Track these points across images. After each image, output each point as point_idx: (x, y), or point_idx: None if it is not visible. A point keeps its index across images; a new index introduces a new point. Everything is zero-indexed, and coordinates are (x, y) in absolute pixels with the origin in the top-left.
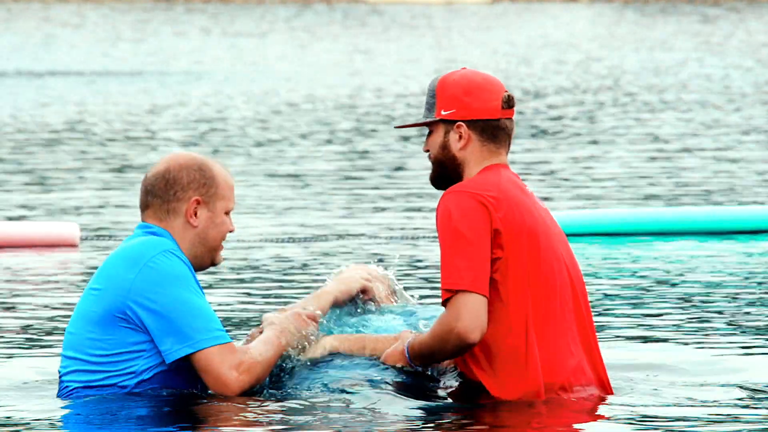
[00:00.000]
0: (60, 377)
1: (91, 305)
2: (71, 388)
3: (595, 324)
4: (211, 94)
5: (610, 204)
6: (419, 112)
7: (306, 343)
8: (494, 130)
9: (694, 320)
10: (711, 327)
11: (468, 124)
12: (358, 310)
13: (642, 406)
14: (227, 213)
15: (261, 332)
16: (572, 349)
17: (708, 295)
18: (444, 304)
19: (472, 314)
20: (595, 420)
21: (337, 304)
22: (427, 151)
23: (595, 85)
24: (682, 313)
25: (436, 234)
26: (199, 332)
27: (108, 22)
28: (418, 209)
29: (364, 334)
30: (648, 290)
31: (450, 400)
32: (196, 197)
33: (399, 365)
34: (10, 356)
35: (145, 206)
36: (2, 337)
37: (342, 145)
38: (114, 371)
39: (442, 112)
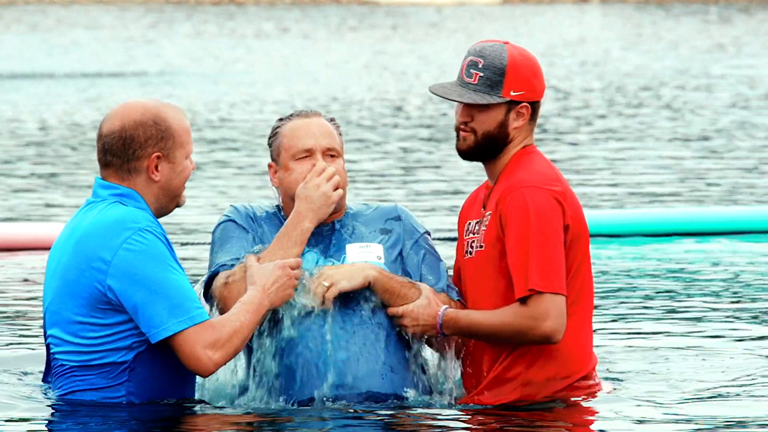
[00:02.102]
0: (52, 354)
1: (71, 284)
2: (67, 367)
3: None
4: (245, 96)
5: (637, 204)
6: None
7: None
8: (538, 110)
9: (728, 318)
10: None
11: (530, 104)
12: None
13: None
14: (187, 157)
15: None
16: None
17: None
18: (522, 299)
19: (559, 316)
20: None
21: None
22: (466, 122)
23: (621, 85)
24: (715, 312)
25: (502, 224)
26: (174, 315)
27: (123, 23)
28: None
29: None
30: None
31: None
32: (155, 153)
33: (421, 322)
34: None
35: (104, 164)
36: (28, 337)
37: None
38: (110, 349)
39: (512, 93)
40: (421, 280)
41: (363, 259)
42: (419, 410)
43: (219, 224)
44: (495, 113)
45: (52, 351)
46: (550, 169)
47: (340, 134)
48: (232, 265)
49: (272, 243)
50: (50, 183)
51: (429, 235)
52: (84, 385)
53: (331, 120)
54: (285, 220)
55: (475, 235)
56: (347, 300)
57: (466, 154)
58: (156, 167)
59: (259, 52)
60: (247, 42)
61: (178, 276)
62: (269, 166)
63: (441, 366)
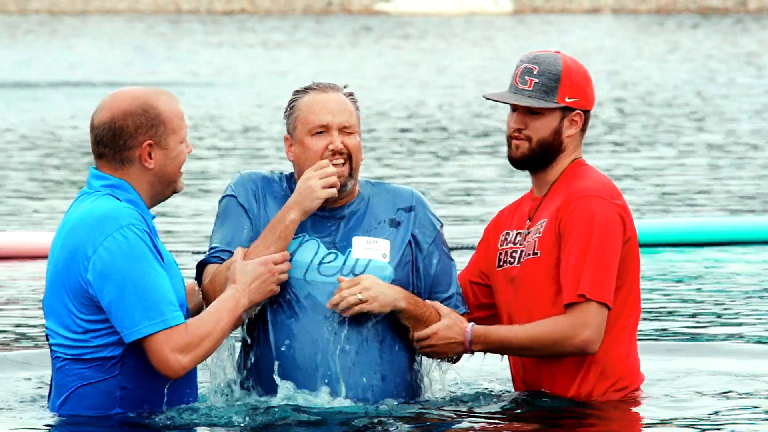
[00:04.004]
0: (49, 345)
1: (61, 277)
2: (62, 359)
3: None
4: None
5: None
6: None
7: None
8: (588, 121)
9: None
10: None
11: (583, 113)
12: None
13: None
14: (182, 142)
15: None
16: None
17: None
18: (568, 305)
19: (599, 327)
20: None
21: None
22: (520, 129)
23: (645, 94)
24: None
25: (561, 229)
26: (147, 317)
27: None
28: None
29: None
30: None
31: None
32: (147, 141)
33: (449, 341)
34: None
35: (97, 155)
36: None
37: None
38: (99, 345)
39: (567, 99)
40: (432, 287)
41: (368, 256)
42: (419, 414)
43: (223, 197)
44: (550, 120)
45: (49, 342)
46: (610, 182)
47: (358, 109)
48: (221, 251)
49: (259, 237)
50: (75, 189)
51: (443, 226)
52: (78, 380)
53: (350, 95)
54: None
55: (518, 246)
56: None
57: (519, 162)
58: (149, 155)
59: (270, 61)
60: (260, 51)
61: (156, 276)
62: (285, 138)
63: (437, 373)
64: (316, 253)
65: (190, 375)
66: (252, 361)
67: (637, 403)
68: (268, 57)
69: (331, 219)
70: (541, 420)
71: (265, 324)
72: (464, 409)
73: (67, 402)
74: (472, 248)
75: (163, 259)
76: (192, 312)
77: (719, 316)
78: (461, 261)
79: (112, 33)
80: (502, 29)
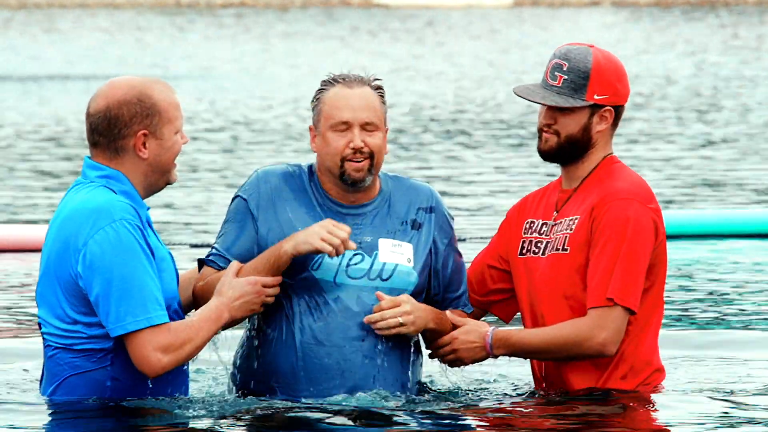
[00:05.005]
0: (42, 333)
1: (54, 267)
2: (53, 347)
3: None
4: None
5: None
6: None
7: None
8: (621, 115)
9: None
10: None
11: (614, 108)
12: None
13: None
14: (177, 132)
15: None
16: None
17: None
18: (590, 306)
19: (619, 330)
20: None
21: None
22: (550, 124)
23: (654, 87)
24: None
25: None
26: (132, 313)
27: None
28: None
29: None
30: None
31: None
32: (142, 131)
33: (469, 345)
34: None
35: (92, 143)
36: None
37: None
38: (90, 336)
39: (596, 96)
40: (446, 287)
41: (395, 260)
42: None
43: (235, 197)
44: (578, 116)
45: (41, 331)
46: (645, 183)
47: (384, 103)
48: (218, 256)
49: (257, 258)
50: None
51: (454, 220)
52: (69, 369)
53: (378, 88)
54: (316, 188)
55: (543, 236)
56: (364, 307)
57: (548, 155)
58: (143, 144)
59: (270, 55)
60: (260, 44)
61: (144, 273)
62: (310, 129)
63: (458, 375)
64: (344, 255)
65: (182, 368)
66: (268, 359)
67: (661, 396)
68: (267, 50)
69: (356, 216)
70: (566, 417)
71: (290, 324)
72: (485, 408)
73: (58, 390)
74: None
75: (154, 255)
76: (184, 303)
77: (739, 307)
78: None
79: (113, 26)
80: (503, 22)
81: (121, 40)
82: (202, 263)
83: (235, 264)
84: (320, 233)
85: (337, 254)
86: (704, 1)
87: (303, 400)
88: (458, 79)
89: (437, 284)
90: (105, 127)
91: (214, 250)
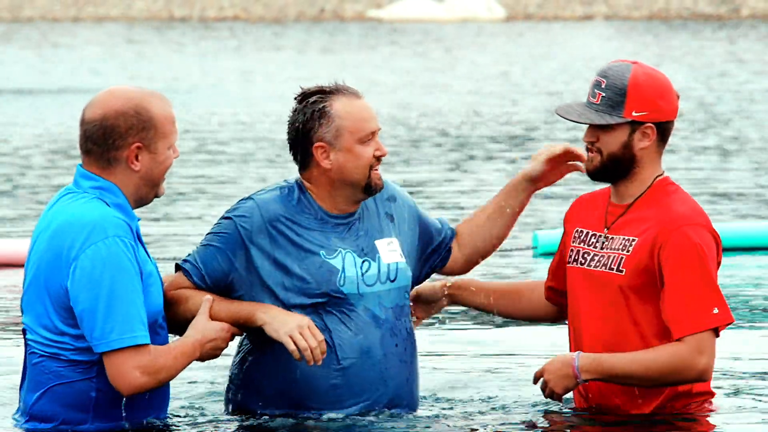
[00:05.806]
0: (26, 340)
1: (43, 276)
2: (38, 355)
3: None
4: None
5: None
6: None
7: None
8: (668, 131)
9: None
10: None
11: (655, 125)
12: None
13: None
14: (170, 147)
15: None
16: None
17: None
18: (687, 333)
19: (714, 354)
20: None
21: None
22: (592, 142)
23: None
24: None
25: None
26: (117, 331)
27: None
28: None
29: None
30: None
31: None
32: (136, 143)
33: (559, 374)
34: None
35: (85, 151)
36: None
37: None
38: (75, 348)
39: (634, 113)
40: (433, 233)
41: (394, 259)
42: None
43: (229, 218)
44: (618, 134)
45: (27, 337)
46: (698, 205)
47: None
48: (193, 267)
49: (231, 306)
50: None
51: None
52: (54, 378)
53: None
54: (309, 204)
55: (591, 248)
56: (400, 314)
57: (594, 174)
58: (136, 157)
59: (265, 69)
60: (255, 58)
61: (133, 292)
62: (319, 147)
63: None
64: (357, 265)
65: (167, 384)
66: (298, 376)
67: (713, 418)
68: (260, 63)
69: (352, 224)
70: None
71: (327, 343)
72: (520, 423)
73: (42, 398)
74: None
75: (142, 271)
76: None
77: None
78: None
79: (106, 39)
80: (496, 36)
81: (116, 53)
82: (178, 266)
83: (207, 303)
84: (292, 331)
85: (305, 359)
86: (697, 15)
87: (326, 415)
88: (460, 93)
89: (429, 238)
90: (99, 137)
91: (191, 259)
